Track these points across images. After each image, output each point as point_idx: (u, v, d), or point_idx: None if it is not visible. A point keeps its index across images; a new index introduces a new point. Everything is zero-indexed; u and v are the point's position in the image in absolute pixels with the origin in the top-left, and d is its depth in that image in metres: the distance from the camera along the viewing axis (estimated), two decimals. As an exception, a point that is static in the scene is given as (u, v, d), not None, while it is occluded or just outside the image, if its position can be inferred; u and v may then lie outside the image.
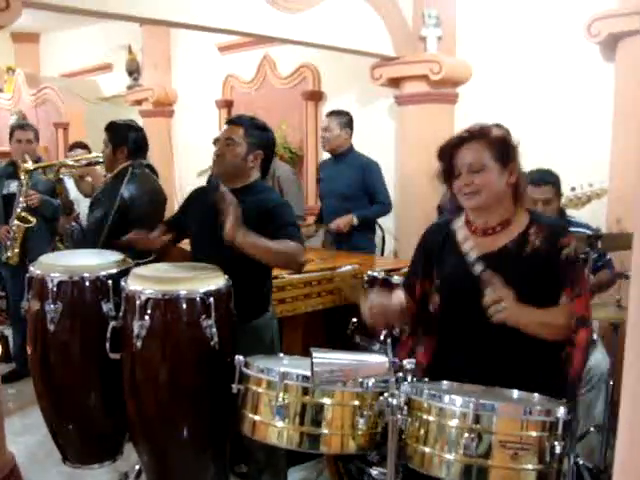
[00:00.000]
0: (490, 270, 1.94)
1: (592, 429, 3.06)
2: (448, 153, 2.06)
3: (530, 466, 1.68)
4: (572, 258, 2.01)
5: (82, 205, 4.53)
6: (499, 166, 1.99)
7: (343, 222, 4.30)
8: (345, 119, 4.49)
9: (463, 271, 2.03)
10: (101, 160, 3.72)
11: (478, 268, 1.96)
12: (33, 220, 4.37)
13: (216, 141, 2.80)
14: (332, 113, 4.58)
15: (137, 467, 2.68)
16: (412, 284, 2.24)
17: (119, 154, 3.38)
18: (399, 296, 2.17)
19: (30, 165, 4.30)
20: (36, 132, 4.70)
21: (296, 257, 2.53)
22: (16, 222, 4.37)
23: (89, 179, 4.39)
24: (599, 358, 3.09)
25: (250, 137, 2.69)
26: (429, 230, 2.29)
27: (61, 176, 4.37)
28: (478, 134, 2.02)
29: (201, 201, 2.83)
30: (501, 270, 1.94)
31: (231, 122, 2.80)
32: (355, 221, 4.29)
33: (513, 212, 2.07)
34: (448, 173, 2.07)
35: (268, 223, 2.56)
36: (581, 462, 2.87)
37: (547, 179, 3.16)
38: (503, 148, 2.02)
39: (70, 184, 4.65)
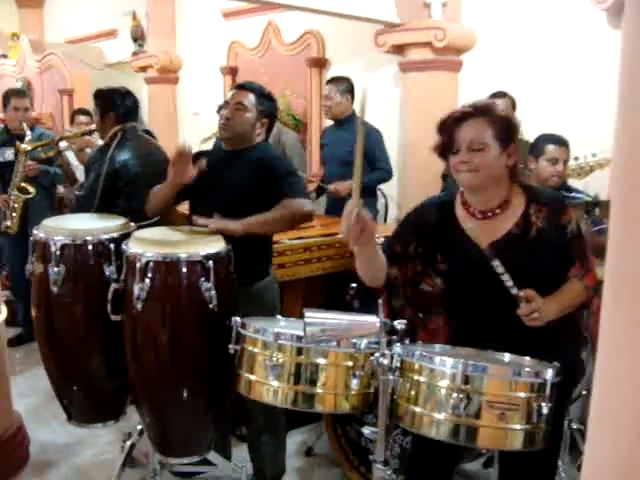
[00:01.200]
0: (499, 258, 1.92)
1: (584, 392, 3.11)
2: (449, 127, 1.99)
3: (517, 426, 1.72)
4: (576, 233, 2.01)
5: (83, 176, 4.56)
6: (499, 146, 1.94)
7: (342, 186, 4.28)
8: (345, 85, 4.48)
9: (475, 258, 1.96)
10: (94, 128, 3.73)
11: (514, 290, 1.90)
12: (33, 191, 4.40)
13: (223, 106, 2.77)
14: (332, 80, 4.56)
15: (139, 427, 2.75)
16: (394, 254, 2.15)
17: (107, 120, 3.37)
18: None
19: (28, 146, 4.30)
20: (31, 98, 4.69)
21: (302, 212, 2.57)
22: (15, 192, 4.40)
23: (88, 150, 4.40)
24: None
25: (260, 105, 2.71)
26: (423, 211, 2.19)
27: (61, 148, 4.38)
28: (483, 110, 1.96)
29: (207, 162, 2.84)
30: (510, 257, 1.92)
31: (242, 87, 2.78)
32: None
33: (510, 192, 2.03)
34: (446, 147, 2.01)
35: (269, 176, 2.61)
36: (575, 426, 2.92)
37: (565, 140, 3.24)
38: (506, 128, 1.96)
39: (71, 156, 4.67)
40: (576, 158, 3.47)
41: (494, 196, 2.02)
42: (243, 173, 2.64)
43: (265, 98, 2.76)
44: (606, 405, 0.90)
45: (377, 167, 4.43)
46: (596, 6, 4.05)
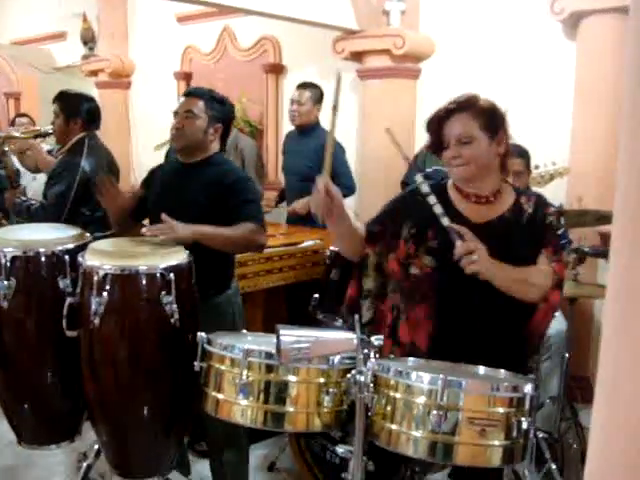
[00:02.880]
0: (491, 241, 1.95)
1: (547, 400, 3.12)
2: (436, 125, 2.03)
3: (497, 442, 1.68)
4: (555, 225, 2.08)
5: (25, 179, 4.36)
6: (488, 136, 1.99)
7: (300, 205, 4.21)
8: (317, 93, 4.41)
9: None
10: (50, 132, 3.60)
11: (445, 221, 1.95)
12: None
13: (175, 114, 2.70)
14: (305, 86, 4.45)
15: (96, 447, 2.63)
16: (372, 233, 2.18)
17: (72, 125, 3.27)
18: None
19: None
20: None
21: (255, 240, 2.55)
22: None
23: (30, 153, 4.23)
24: (559, 329, 3.14)
25: (211, 110, 2.64)
26: (414, 194, 2.15)
27: (5, 149, 4.19)
28: (465, 105, 2.01)
29: (158, 177, 2.78)
30: (503, 238, 1.99)
31: (190, 94, 2.71)
32: None
33: (500, 184, 2.08)
34: (438, 144, 2.05)
35: (228, 198, 2.54)
36: (540, 435, 2.92)
37: (519, 151, 3.20)
38: (491, 117, 2.01)
39: (13, 158, 4.47)
40: (536, 167, 3.48)
41: (487, 185, 2.06)
42: (201, 191, 2.57)
43: (216, 102, 2.69)
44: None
45: (339, 183, 4.35)
46: (552, 17, 4.10)
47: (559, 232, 3.19)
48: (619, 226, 0.86)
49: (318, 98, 4.40)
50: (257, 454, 3.26)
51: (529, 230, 2.05)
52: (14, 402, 2.51)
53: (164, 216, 2.37)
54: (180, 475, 2.71)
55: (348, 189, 4.39)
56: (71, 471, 2.93)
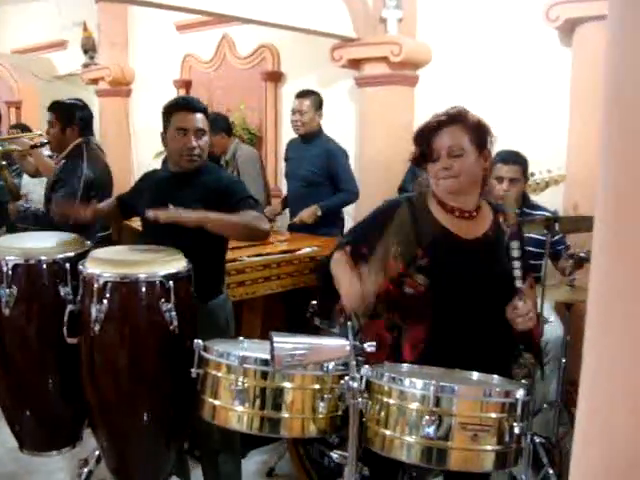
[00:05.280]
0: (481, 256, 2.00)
1: (545, 405, 3.14)
2: (426, 136, 2.04)
3: (489, 447, 1.70)
4: (514, 230, 2.05)
5: (29, 185, 4.38)
6: (476, 150, 2.00)
7: (307, 214, 4.18)
8: (317, 100, 4.39)
9: (457, 249, 2.04)
10: (46, 141, 3.65)
11: (518, 282, 1.97)
12: None
13: (184, 131, 2.57)
14: (304, 94, 4.41)
15: (97, 453, 2.65)
16: (362, 254, 2.13)
17: (69, 133, 3.37)
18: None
19: None
20: None
21: (261, 226, 2.49)
22: None
23: (31, 159, 4.26)
24: (556, 335, 3.16)
25: (209, 124, 2.64)
26: (392, 210, 2.16)
27: (3, 163, 4.22)
28: (457, 118, 2.02)
29: (153, 183, 2.77)
30: (490, 255, 2.02)
31: (195, 109, 2.60)
32: (319, 212, 4.18)
33: (479, 199, 2.10)
34: (424, 157, 2.06)
35: (225, 200, 2.53)
36: (537, 440, 2.94)
37: (516, 159, 3.22)
38: (480, 133, 2.03)
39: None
40: (532, 174, 3.50)
41: (470, 200, 2.08)
42: (196, 196, 2.53)
43: (208, 115, 2.67)
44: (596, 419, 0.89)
45: (342, 188, 4.34)
46: (548, 24, 4.13)
47: (555, 238, 3.23)
48: (599, 229, 0.90)
49: (318, 104, 4.38)
50: (256, 460, 3.28)
51: (506, 249, 2.04)
52: (16, 408, 2.54)
53: (170, 206, 2.39)
54: (180, 480, 2.73)
55: (353, 194, 4.39)
56: (72, 477, 2.95)
